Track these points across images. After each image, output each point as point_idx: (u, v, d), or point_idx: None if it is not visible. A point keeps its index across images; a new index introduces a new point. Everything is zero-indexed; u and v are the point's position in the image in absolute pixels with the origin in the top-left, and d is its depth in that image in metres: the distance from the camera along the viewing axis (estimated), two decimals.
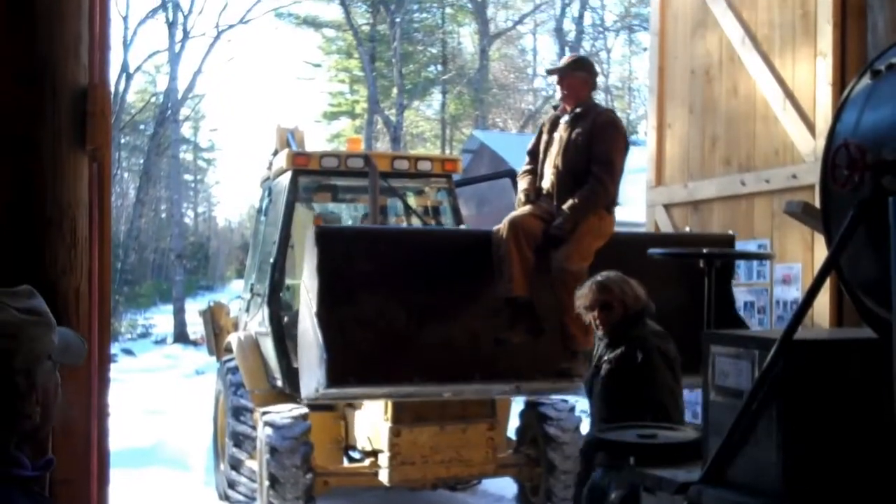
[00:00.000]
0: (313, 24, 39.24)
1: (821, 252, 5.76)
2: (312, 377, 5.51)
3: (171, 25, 31.39)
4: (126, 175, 46.12)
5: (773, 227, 7.68)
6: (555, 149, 6.22)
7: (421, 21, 39.26)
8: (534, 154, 6.49)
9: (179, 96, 32.17)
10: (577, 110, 6.22)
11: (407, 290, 5.73)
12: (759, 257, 7.56)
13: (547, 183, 6.23)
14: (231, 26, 33.09)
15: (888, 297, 2.44)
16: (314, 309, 5.49)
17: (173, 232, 33.59)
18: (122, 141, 37.26)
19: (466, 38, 42.15)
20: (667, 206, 9.00)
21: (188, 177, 57.31)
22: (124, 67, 30.40)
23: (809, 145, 7.26)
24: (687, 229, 8.11)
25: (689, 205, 8.71)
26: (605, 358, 4.66)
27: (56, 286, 3.04)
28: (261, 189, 9.84)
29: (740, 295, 7.64)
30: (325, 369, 5.17)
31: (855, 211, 2.46)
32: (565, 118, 6.27)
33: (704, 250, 4.47)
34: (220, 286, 50.38)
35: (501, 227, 5.91)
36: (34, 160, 3.16)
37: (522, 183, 6.46)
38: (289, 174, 8.41)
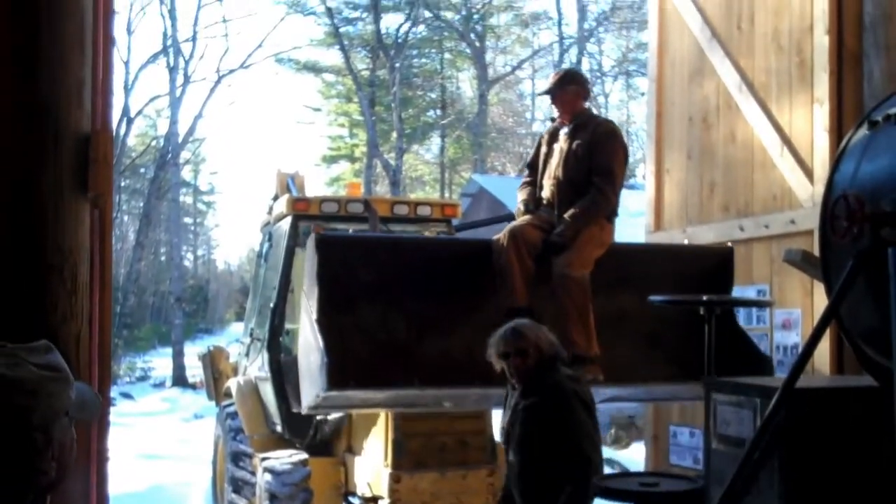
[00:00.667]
0: (313, 69, 39.53)
1: (820, 297, 5.76)
2: (313, 384, 5.45)
3: (172, 70, 31.61)
4: (126, 218, 46.23)
5: (773, 272, 7.68)
6: (555, 160, 6.25)
7: (420, 66, 39.55)
8: (533, 166, 6.53)
9: (180, 140, 32.33)
10: (576, 122, 6.25)
11: (407, 297, 5.70)
12: (759, 304, 7.56)
13: (547, 193, 6.25)
14: (231, 71, 33.37)
15: (888, 345, 2.45)
16: (314, 316, 5.46)
17: (173, 275, 33.59)
18: (123, 184, 37.41)
19: (465, 83, 42.47)
20: None
21: (188, 220, 57.42)
22: (125, 111, 30.60)
23: (807, 191, 7.29)
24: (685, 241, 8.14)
25: None
26: (522, 405, 4.58)
27: (56, 333, 3.03)
28: (261, 234, 9.87)
29: None
30: (326, 372, 5.12)
31: (854, 261, 2.47)
32: (565, 130, 6.29)
33: (704, 298, 4.48)
34: (219, 329, 50.31)
35: (501, 236, 5.92)
36: (36, 206, 3.16)
37: (522, 194, 6.48)
38: (289, 219, 8.43)
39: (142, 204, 37.19)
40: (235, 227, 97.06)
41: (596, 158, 6.07)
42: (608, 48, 41.29)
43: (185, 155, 36.10)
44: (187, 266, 54.19)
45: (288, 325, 8.60)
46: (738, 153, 8.16)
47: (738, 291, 7.26)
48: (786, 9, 7.78)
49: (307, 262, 5.85)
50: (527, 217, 6.20)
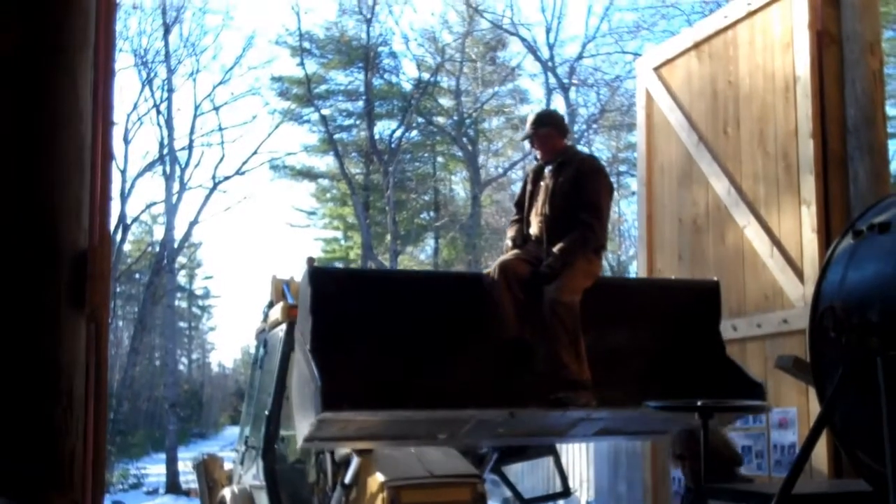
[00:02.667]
0: (308, 175, 39.94)
1: (816, 397, 5.77)
2: (308, 414, 5.42)
3: (169, 178, 31.94)
4: (121, 323, 46.11)
5: (767, 371, 7.68)
6: (541, 197, 6.36)
7: (414, 170, 39.97)
8: (520, 205, 6.65)
9: (175, 246, 32.48)
10: (559, 159, 6.38)
11: (400, 327, 5.73)
12: (754, 411, 7.54)
13: (535, 229, 6.35)
14: (227, 178, 33.68)
15: (881, 451, 2.46)
16: (308, 346, 5.47)
17: (167, 381, 33.35)
18: (118, 290, 37.40)
19: (458, 185, 42.85)
20: None
21: (183, 324, 57.27)
22: (121, 219, 30.79)
23: (798, 291, 7.35)
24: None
25: None
26: None
27: (50, 449, 3.02)
28: (256, 340, 9.85)
29: (738, 439, 7.59)
30: (320, 395, 5.09)
31: (844, 370, 2.50)
32: (549, 167, 6.42)
33: (699, 403, 4.46)
34: (213, 433, 49.76)
35: (492, 270, 6.03)
36: (33, 324, 3.18)
37: (510, 231, 6.61)
38: (284, 326, 8.44)
39: (136, 309, 37.14)
40: (231, 329, 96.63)
41: (581, 194, 6.21)
42: (598, 149, 41.83)
43: (180, 260, 36.22)
44: (182, 370, 53.86)
45: (283, 433, 8.53)
46: (729, 254, 8.24)
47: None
48: (770, 114, 7.95)
49: (301, 294, 5.89)
50: (516, 251, 6.34)
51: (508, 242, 6.53)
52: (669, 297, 6.67)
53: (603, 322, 6.11)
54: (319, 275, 5.77)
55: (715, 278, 7.25)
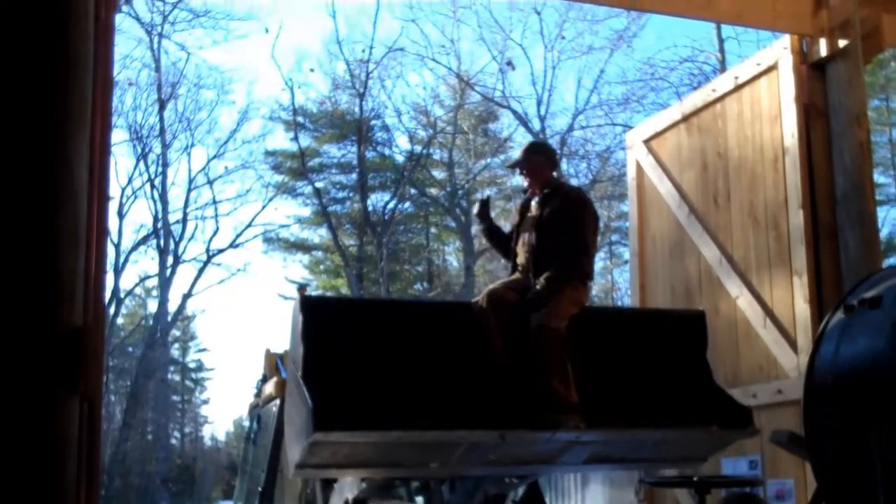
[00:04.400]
0: (301, 247, 40.03)
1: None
2: (300, 440, 5.44)
3: (163, 251, 32.01)
4: (113, 398, 45.71)
5: (763, 442, 7.63)
6: (527, 227, 6.45)
7: (407, 241, 40.09)
8: (509, 236, 6.72)
9: (169, 319, 32.41)
10: (546, 191, 6.46)
11: (391, 354, 5.77)
12: (748, 483, 7.49)
13: (522, 259, 6.42)
14: (221, 251, 33.77)
15: None
16: (300, 373, 5.51)
17: (159, 455, 33.07)
18: (111, 364, 37.17)
19: (451, 255, 42.95)
20: None
21: (176, 397, 56.82)
22: (115, 293, 30.78)
23: (792, 361, 7.35)
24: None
25: None
26: None
27: None
28: (249, 416, 9.80)
29: None
30: (312, 416, 5.11)
31: (838, 446, 2.50)
32: (536, 199, 6.50)
33: (695, 478, 4.45)
34: None
35: (481, 299, 6.14)
36: (25, 401, 3.17)
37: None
38: (278, 402, 8.40)
39: (129, 384, 36.90)
40: (224, 401, 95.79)
41: (567, 225, 6.28)
42: None
43: (173, 333, 36.10)
44: (174, 444, 53.29)
45: None
46: (723, 324, 8.25)
47: (729, 463, 7.22)
48: (760, 185, 8.03)
49: (292, 323, 5.95)
50: (503, 280, 6.46)
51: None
52: (658, 325, 6.75)
53: (592, 349, 6.17)
54: (311, 303, 5.86)
55: (701, 308, 7.34)
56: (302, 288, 7.42)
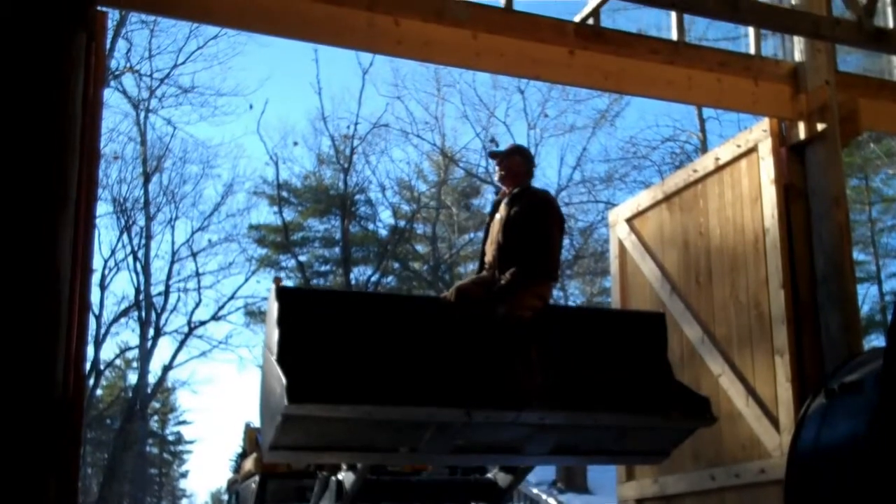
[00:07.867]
0: None
1: None
2: (273, 418, 5.63)
3: (144, 324, 31.83)
4: (90, 471, 45.02)
5: None
6: (496, 227, 6.68)
7: None
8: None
9: (149, 391, 32.10)
10: (515, 191, 6.69)
11: (362, 339, 6.00)
12: None
13: (489, 257, 6.64)
14: (203, 322, 33.61)
15: None
16: (275, 357, 5.70)
17: None
18: (88, 436, 36.69)
19: None
20: (638, 502, 8.93)
21: (153, 470, 56.00)
22: (94, 364, 30.48)
23: (775, 440, 7.33)
24: None
25: (661, 499, 8.65)
26: None
27: None
28: (228, 492, 9.68)
29: None
30: (286, 390, 5.28)
31: None
32: (506, 200, 6.74)
33: None
34: None
35: (449, 293, 6.42)
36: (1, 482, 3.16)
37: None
38: (257, 478, 8.32)
39: (106, 456, 36.36)
40: (202, 474, 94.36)
41: (532, 225, 6.50)
42: (573, 294, 42.19)
43: (153, 405, 35.71)
44: None
45: None
46: None
47: None
48: (741, 265, 8.10)
49: (268, 311, 6.23)
50: (471, 277, 6.81)
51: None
52: (615, 326, 7.06)
53: (559, 345, 6.40)
54: (285, 292, 6.11)
55: (661, 311, 7.69)
56: (277, 278, 7.55)
